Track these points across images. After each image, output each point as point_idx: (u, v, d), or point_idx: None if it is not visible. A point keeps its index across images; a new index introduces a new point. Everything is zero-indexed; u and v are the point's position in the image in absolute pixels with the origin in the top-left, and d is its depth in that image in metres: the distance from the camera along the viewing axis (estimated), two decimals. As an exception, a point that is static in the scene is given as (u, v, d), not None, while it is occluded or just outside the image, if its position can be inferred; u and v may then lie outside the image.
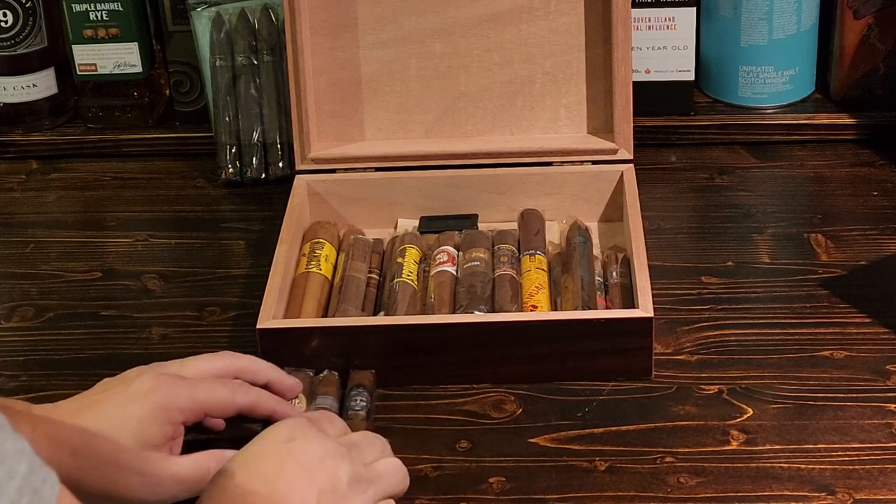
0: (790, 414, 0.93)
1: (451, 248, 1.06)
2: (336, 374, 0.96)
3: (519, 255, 1.06)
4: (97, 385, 0.87)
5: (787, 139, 1.26)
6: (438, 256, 1.05)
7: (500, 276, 1.03)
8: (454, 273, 1.04)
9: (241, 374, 0.89)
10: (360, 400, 0.93)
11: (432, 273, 1.04)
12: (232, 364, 0.90)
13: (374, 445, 0.84)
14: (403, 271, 1.03)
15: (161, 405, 0.84)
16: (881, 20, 1.23)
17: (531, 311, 0.99)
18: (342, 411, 0.93)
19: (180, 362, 0.89)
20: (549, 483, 0.88)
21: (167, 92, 1.32)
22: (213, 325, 1.05)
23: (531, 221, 1.09)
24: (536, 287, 1.01)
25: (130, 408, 0.84)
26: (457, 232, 1.09)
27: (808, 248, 1.11)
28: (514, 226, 1.10)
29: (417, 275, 1.04)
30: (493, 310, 0.99)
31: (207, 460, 0.84)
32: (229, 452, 0.83)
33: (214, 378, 0.88)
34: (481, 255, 1.05)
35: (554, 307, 1.01)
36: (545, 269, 1.04)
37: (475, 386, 0.97)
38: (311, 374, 0.96)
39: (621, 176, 1.12)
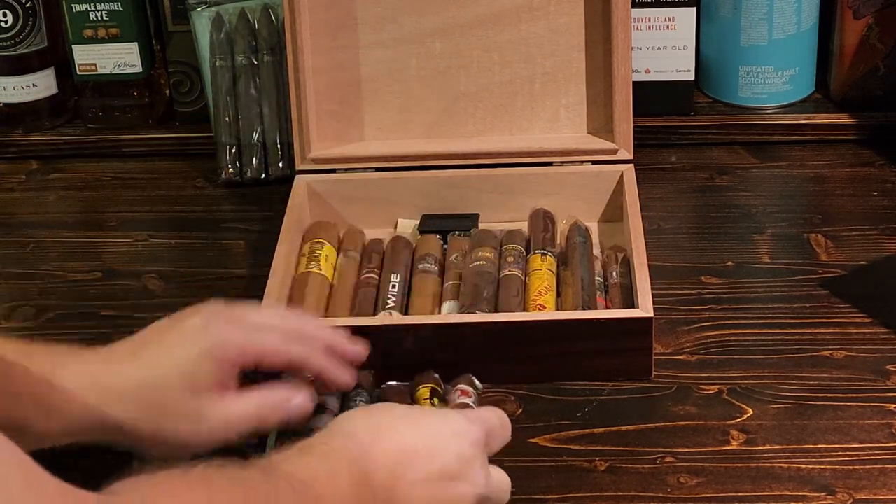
0: (790, 414, 0.93)
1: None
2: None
3: (527, 254, 1.05)
4: (150, 326, 0.86)
5: (787, 139, 1.26)
6: None
7: (505, 277, 1.02)
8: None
9: (302, 334, 0.87)
10: (360, 400, 0.93)
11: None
12: (296, 324, 0.88)
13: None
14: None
15: (213, 346, 0.82)
16: (881, 20, 1.23)
17: (539, 310, 0.99)
18: (341, 412, 0.93)
19: (242, 306, 0.88)
20: (549, 483, 0.88)
21: (167, 92, 1.32)
22: (213, 325, 1.05)
23: (545, 221, 1.09)
24: (546, 287, 1.01)
25: (182, 348, 0.82)
26: (457, 232, 1.09)
27: (808, 248, 1.11)
28: (519, 225, 1.10)
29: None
30: (496, 310, 0.99)
31: (259, 402, 0.83)
32: (281, 393, 0.83)
33: (272, 326, 0.86)
34: (488, 254, 1.04)
35: (555, 308, 1.01)
36: (555, 271, 1.04)
37: (475, 386, 0.97)
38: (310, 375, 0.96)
39: (621, 176, 1.12)
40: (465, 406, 0.90)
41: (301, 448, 0.75)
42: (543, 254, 1.04)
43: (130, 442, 0.82)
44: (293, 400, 0.85)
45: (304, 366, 0.85)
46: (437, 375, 0.95)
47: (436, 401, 0.92)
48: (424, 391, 0.93)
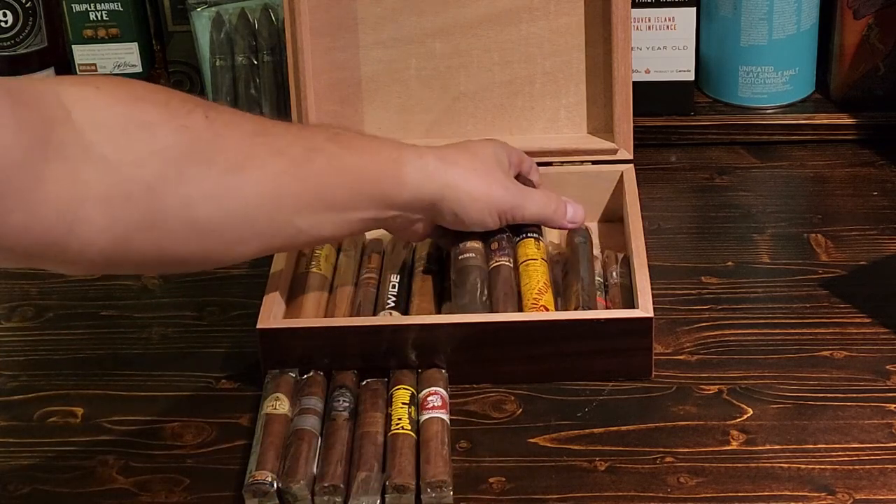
0: (790, 414, 0.93)
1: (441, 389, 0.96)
2: (322, 374, 0.96)
3: (516, 238, 1.03)
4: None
5: (787, 139, 1.26)
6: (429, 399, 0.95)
7: (495, 269, 1.00)
8: None
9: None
10: (343, 401, 0.93)
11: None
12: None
13: None
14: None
15: (507, 149, 1.02)
16: (881, 20, 1.23)
17: (542, 311, 0.97)
18: (325, 412, 0.93)
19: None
20: (549, 483, 0.88)
21: (167, 92, 1.32)
22: (213, 325, 1.05)
23: None
24: (545, 284, 0.99)
25: (484, 144, 1.01)
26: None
27: (808, 248, 1.11)
28: None
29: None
30: (491, 310, 0.98)
31: (554, 202, 1.02)
32: (563, 204, 1.03)
33: None
34: (475, 244, 1.01)
35: (555, 307, 1.00)
36: (547, 258, 1.02)
37: (475, 386, 0.97)
38: (295, 376, 0.96)
39: (621, 176, 1.12)
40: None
41: None
42: (537, 238, 1.03)
43: (438, 218, 0.98)
44: (572, 212, 1.04)
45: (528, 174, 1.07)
46: (414, 374, 0.95)
47: (412, 409, 0.92)
48: (404, 395, 0.93)
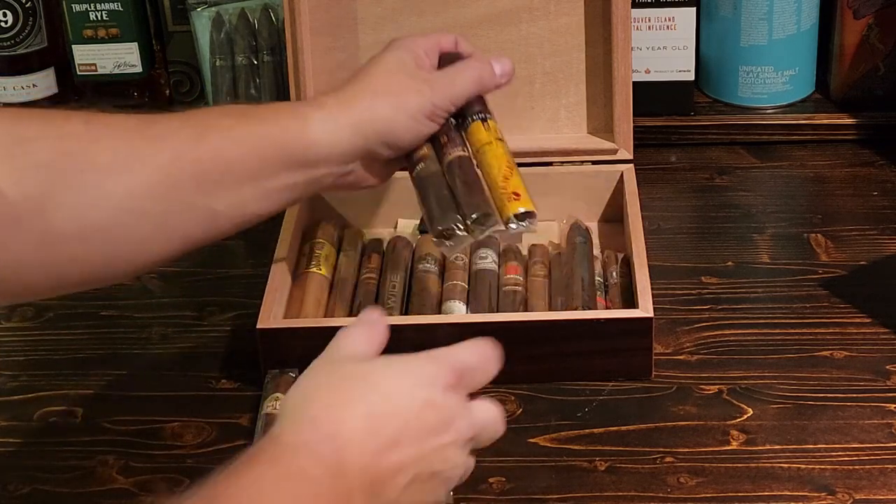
0: (790, 414, 0.93)
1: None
2: None
3: (464, 124, 0.94)
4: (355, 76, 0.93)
5: (787, 139, 1.26)
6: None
7: (450, 163, 0.92)
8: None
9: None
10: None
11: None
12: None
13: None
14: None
15: (408, 44, 0.94)
16: (881, 20, 1.23)
17: (514, 200, 0.90)
18: None
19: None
20: (549, 483, 0.88)
21: (167, 92, 1.32)
22: (213, 325, 1.05)
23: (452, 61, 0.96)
24: (508, 167, 0.91)
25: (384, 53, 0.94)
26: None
27: (808, 248, 1.11)
28: None
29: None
30: (464, 217, 0.90)
31: (477, 69, 0.94)
32: (488, 64, 0.95)
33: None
34: (424, 151, 0.93)
35: (555, 307, 1.00)
36: (503, 137, 0.94)
37: (475, 386, 0.97)
38: (295, 376, 0.96)
39: (621, 176, 1.12)
40: None
41: (268, 453, 0.69)
42: (483, 119, 0.94)
43: (377, 156, 0.91)
44: (500, 67, 0.96)
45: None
46: None
47: None
48: None
